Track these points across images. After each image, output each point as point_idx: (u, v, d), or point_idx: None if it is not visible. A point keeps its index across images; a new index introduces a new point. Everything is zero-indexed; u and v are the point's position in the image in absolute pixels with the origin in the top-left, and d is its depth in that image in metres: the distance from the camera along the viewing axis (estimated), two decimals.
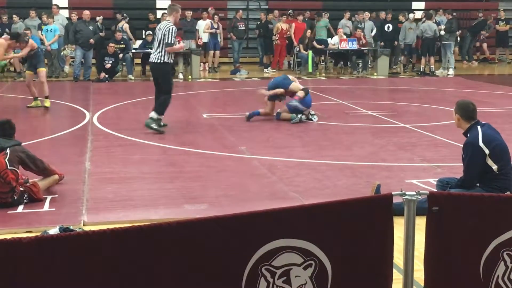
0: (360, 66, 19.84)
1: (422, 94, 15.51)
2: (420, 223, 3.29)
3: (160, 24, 10.32)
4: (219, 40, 19.86)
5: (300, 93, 11.05)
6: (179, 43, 13.82)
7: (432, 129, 10.47)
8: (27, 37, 12.77)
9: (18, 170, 6.42)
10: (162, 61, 9.92)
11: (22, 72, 17.98)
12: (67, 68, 18.59)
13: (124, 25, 18.89)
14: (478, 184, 6.10)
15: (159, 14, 19.45)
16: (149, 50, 11.33)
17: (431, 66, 19.57)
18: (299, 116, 11.00)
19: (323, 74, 19.63)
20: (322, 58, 20.20)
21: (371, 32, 20.38)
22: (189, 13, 19.45)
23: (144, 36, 18.54)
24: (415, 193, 3.24)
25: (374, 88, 16.76)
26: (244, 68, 19.87)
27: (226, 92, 15.90)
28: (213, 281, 2.92)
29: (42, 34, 17.55)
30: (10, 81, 17.51)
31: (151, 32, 17.34)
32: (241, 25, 20.39)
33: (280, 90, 11.25)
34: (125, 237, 2.74)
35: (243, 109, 11.87)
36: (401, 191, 3.27)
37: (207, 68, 20.04)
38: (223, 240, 2.91)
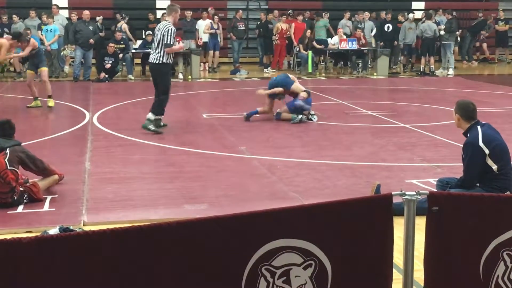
0: (360, 66, 19.85)
1: (422, 94, 15.52)
2: (420, 223, 3.29)
3: (159, 25, 10.31)
4: (219, 40, 19.86)
5: (304, 94, 11.08)
6: (178, 43, 13.82)
7: (432, 129, 10.47)
8: (28, 36, 12.77)
9: (18, 170, 6.42)
10: (161, 62, 9.93)
11: (22, 72, 18.01)
12: (67, 68, 18.59)
13: (123, 25, 18.88)
14: (478, 184, 6.10)
15: (159, 14, 19.44)
16: (149, 50, 11.33)
17: (431, 66, 19.57)
18: (299, 116, 11.00)
19: (323, 74, 19.63)
20: (322, 58, 20.21)
21: (371, 32, 20.39)
22: (189, 13, 19.45)
23: (144, 36, 18.54)
24: (415, 193, 3.24)
25: (374, 88, 16.76)
26: (244, 68, 19.87)
27: (226, 92, 15.90)
28: (213, 281, 2.92)
29: (42, 34, 17.55)
30: (10, 81, 17.50)
31: (151, 32, 17.33)
32: (241, 25, 20.39)
33: (279, 89, 11.25)
34: (125, 237, 2.74)
35: (243, 109, 11.86)
36: (401, 191, 3.27)
37: (207, 68, 20.04)
38: (223, 240, 2.91)
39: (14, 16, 18.43)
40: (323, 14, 20.69)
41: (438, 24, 19.73)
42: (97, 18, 18.65)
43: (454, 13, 20.75)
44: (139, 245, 2.76)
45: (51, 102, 12.64)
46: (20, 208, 6.29)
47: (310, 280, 3.10)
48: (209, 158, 8.49)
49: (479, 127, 6.11)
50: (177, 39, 16.69)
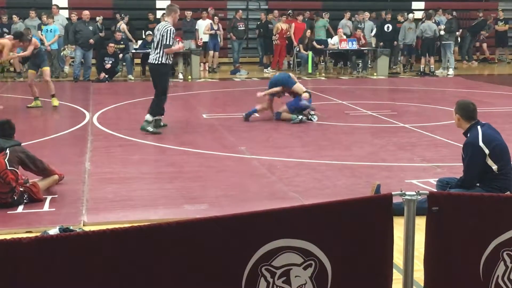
0: (360, 66, 19.86)
1: (422, 94, 15.52)
2: (420, 223, 3.29)
3: (158, 25, 10.31)
4: (219, 40, 19.86)
5: (306, 95, 11.10)
6: (178, 44, 13.82)
7: (432, 129, 10.47)
8: (30, 36, 12.78)
9: (18, 171, 6.42)
10: (160, 62, 9.93)
11: (22, 72, 18.02)
12: (67, 68, 18.60)
13: (121, 25, 18.87)
14: (478, 184, 6.10)
15: (158, 14, 19.44)
16: (149, 50, 11.34)
17: (431, 66, 19.57)
18: (299, 116, 11.01)
19: (323, 74, 19.63)
20: (322, 58, 20.21)
21: (371, 32, 20.39)
22: (188, 13, 19.46)
23: (144, 36, 18.54)
24: (415, 193, 3.24)
25: (374, 88, 16.76)
26: (244, 68, 19.88)
27: (226, 92, 15.90)
28: (213, 281, 2.92)
29: (42, 35, 17.55)
30: (10, 81, 17.50)
31: (150, 32, 17.33)
32: (241, 25, 20.40)
33: (277, 89, 11.26)
34: (125, 237, 2.74)
35: (243, 109, 11.86)
36: (401, 191, 3.27)
37: (207, 68, 20.04)
38: (223, 240, 2.91)
39: (14, 16, 18.43)
40: (324, 14, 20.70)
41: (438, 24, 19.73)
42: (97, 18, 18.65)
43: (454, 13, 20.75)
44: (139, 245, 2.76)
45: (55, 102, 12.67)
46: (20, 208, 6.29)
47: (310, 280, 3.10)
48: (209, 158, 8.49)
49: (479, 127, 6.11)
50: (177, 39, 16.72)
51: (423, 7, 23.36)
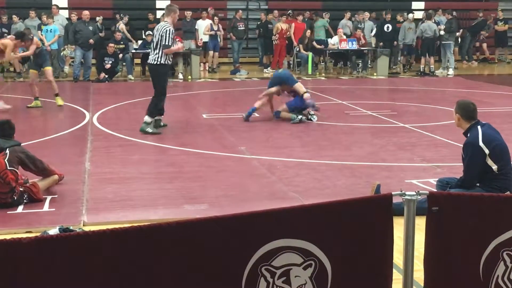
0: (360, 66, 19.86)
1: (422, 94, 15.52)
2: (420, 223, 3.29)
3: (158, 25, 10.31)
4: (219, 40, 19.86)
5: (307, 95, 11.11)
6: (177, 44, 13.81)
7: (432, 129, 10.47)
8: (31, 35, 12.78)
9: (17, 171, 6.42)
10: (159, 63, 9.93)
11: (22, 72, 18.04)
12: (67, 69, 18.60)
13: (120, 25, 18.86)
14: (478, 184, 6.10)
15: (158, 14, 19.44)
16: (149, 50, 11.34)
17: (431, 66, 19.57)
18: (299, 116, 11.01)
19: (323, 74, 19.64)
20: (322, 58, 20.21)
21: (371, 32, 20.40)
22: (188, 13, 19.46)
23: (144, 37, 18.54)
24: (415, 193, 3.24)
25: (374, 88, 16.76)
26: (244, 68, 19.88)
27: (226, 92, 15.90)
28: (213, 281, 2.92)
29: (42, 35, 17.54)
30: (10, 81, 17.50)
31: (150, 32, 17.32)
32: (240, 25, 20.40)
33: (273, 90, 11.26)
34: (125, 237, 2.74)
35: (243, 109, 11.86)
36: (401, 191, 3.27)
37: (207, 68, 20.04)
38: (223, 240, 2.91)
39: (14, 16, 18.43)
40: (324, 14, 20.71)
41: (438, 24, 19.73)
42: (97, 18, 18.65)
43: (454, 13, 20.75)
44: (139, 245, 2.76)
45: (60, 101, 12.71)
46: (20, 208, 6.29)
47: (310, 280, 3.10)
48: (208, 158, 8.49)
49: (479, 127, 6.11)
50: (177, 39, 16.72)
51: (423, 7, 23.36)
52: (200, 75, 18.88)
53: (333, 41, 19.51)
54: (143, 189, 7.02)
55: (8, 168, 6.28)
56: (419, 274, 3.47)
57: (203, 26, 19.50)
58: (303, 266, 3.07)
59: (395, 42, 20.03)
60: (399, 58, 20.59)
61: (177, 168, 7.94)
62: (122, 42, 18.03)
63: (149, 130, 9.94)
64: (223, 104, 14.04)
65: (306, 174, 7.64)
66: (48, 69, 12.91)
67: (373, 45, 20.21)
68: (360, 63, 19.92)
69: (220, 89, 16.46)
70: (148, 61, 10.36)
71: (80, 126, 10.72)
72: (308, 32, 19.92)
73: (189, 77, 18.31)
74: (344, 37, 19.52)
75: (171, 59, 10.35)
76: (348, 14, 20.73)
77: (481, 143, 6.00)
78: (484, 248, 3.29)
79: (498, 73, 21.44)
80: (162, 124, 10.45)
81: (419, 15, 21.78)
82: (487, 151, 6.00)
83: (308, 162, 8.26)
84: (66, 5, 20.58)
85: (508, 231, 3.29)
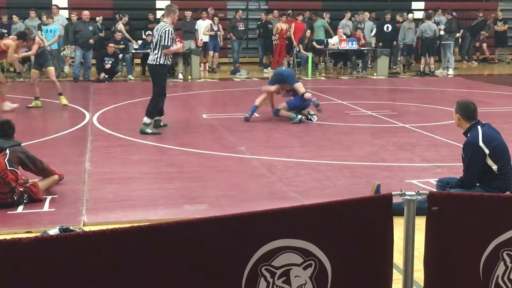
0: (360, 66, 19.86)
1: (422, 94, 15.52)
2: (420, 223, 3.29)
3: (157, 26, 10.32)
4: (219, 41, 19.86)
5: (309, 95, 11.12)
6: (177, 44, 13.80)
7: (432, 129, 10.47)
8: (33, 35, 12.79)
9: (17, 171, 6.42)
10: (158, 63, 9.92)
11: (22, 72, 18.04)
12: (66, 69, 18.60)
13: (119, 25, 18.86)
14: (478, 184, 6.10)
15: (158, 14, 19.44)
16: (149, 50, 11.36)
17: (431, 66, 19.57)
18: (299, 116, 11.01)
19: (323, 74, 19.64)
20: (322, 58, 20.21)
21: (371, 32, 20.40)
22: (188, 13, 19.46)
23: (144, 37, 18.54)
24: (415, 193, 3.24)
25: (373, 88, 16.76)
26: (244, 68, 19.88)
27: (226, 92, 15.90)
28: (213, 281, 2.92)
29: (42, 35, 17.53)
30: (10, 81, 17.48)
31: (150, 33, 17.33)
32: (240, 25, 20.40)
33: (273, 88, 11.26)
34: (125, 237, 2.74)
35: (243, 109, 11.86)
36: (401, 191, 3.27)
37: (207, 68, 20.04)
38: (223, 240, 2.91)
39: (14, 16, 18.42)
40: (324, 14, 20.71)
41: (437, 24, 19.73)
42: (97, 18, 18.65)
43: (454, 13, 20.75)
44: (139, 245, 2.76)
45: (64, 100, 12.75)
46: (20, 209, 6.29)
47: (310, 280, 3.10)
48: (208, 158, 8.49)
49: (479, 127, 6.11)
50: (177, 39, 16.71)
51: (423, 7, 23.36)
52: (200, 75, 18.88)
53: (333, 41, 19.51)
54: (143, 189, 7.02)
55: (8, 168, 6.28)
56: (419, 274, 3.47)
57: (203, 26, 19.50)
58: (303, 266, 3.07)
59: (395, 42, 20.02)
60: (399, 58, 20.59)
61: (177, 168, 7.94)
62: (122, 42, 18.03)
63: (149, 131, 9.94)
64: (223, 104, 14.04)
65: (306, 174, 7.64)
66: (51, 69, 12.95)
67: (373, 45, 20.21)
68: (360, 63, 19.92)
69: (220, 89, 16.46)
70: (148, 62, 10.37)
71: (80, 126, 10.72)
72: (308, 32, 19.92)
73: (189, 77, 18.31)
74: (344, 37, 19.52)
75: (170, 59, 10.34)
76: (348, 14, 20.73)
77: (481, 143, 6.00)
78: (484, 248, 3.29)
79: (498, 73, 21.44)
80: (162, 124, 10.45)
81: (419, 15, 21.77)
82: (487, 151, 6.00)
83: (308, 162, 8.26)
84: (66, 5, 20.58)
85: (508, 231, 3.29)
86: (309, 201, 6.10)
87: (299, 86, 11.17)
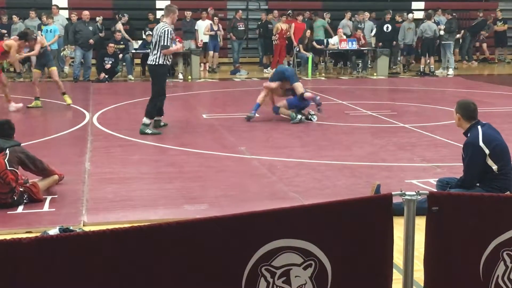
0: (360, 66, 19.86)
1: (422, 94, 15.52)
2: (420, 223, 3.29)
3: (157, 26, 10.32)
4: (219, 41, 19.86)
5: (308, 94, 11.11)
6: (177, 44, 13.80)
7: (432, 129, 10.47)
8: (35, 35, 12.79)
9: (17, 171, 6.42)
10: (157, 63, 9.92)
11: (22, 72, 18.04)
12: (66, 69, 18.59)
13: (118, 25, 18.85)
14: (478, 184, 6.10)
15: (158, 14, 19.44)
16: (149, 50, 11.37)
17: (431, 66, 19.57)
18: (299, 116, 11.00)
19: (323, 74, 19.64)
20: (322, 58, 20.21)
21: (371, 32, 20.40)
22: (188, 13, 19.46)
23: (144, 37, 18.53)
24: (415, 193, 3.24)
25: (373, 88, 16.76)
26: (244, 68, 19.88)
27: (226, 93, 15.90)
28: (213, 281, 2.92)
29: (41, 35, 17.48)
30: (10, 81, 17.45)
31: (150, 33, 17.33)
32: (240, 25, 20.40)
33: (274, 85, 11.24)
34: (125, 237, 2.74)
35: (243, 109, 11.86)
36: (401, 191, 3.27)
37: (207, 68, 20.04)
38: (223, 240, 2.91)
39: (14, 16, 18.42)
40: (325, 14, 20.72)
41: (437, 24, 19.73)
42: (97, 18, 18.66)
43: (454, 13, 20.74)
44: (139, 245, 2.76)
45: (68, 99, 12.78)
46: (20, 209, 6.29)
47: (310, 280, 3.10)
48: (208, 158, 8.49)
49: (479, 127, 6.11)
50: (177, 39, 16.71)
51: (423, 7, 23.35)
52: (200, 75, 18.88)
53: (333, 41, 19.51)
54: (143, 189, 7.02)
55: (8, 168, 6.28)
56: (419, 274, 3.47)
57: (203, 26, 19.49)
58: (303, 266, 3.07)
59: (394, 42, 20.01)
60: (399, 58, 20.59)
61: (177, 168, 7.94)
62: (122, 42, 18.03)
63: (149, 131, 9.94)
64: (223, 104, 14.04)
65: (306, 174, 7.64)
66: (53, 69, 12.99)
67: (373, 45, 20.21)
68: (360, 63, 19.92)
69: (220, 89, 16.46)
70: (148, 62, 10.37)
71: (80, 126, 10.72)
72: (308, 32, 19.92)
73: (189, 77, 18.31)
74: (344, 37, 19.52)
75: (170, 60, 10.32)
76: (348, 14, 20.73)
77: (481, 143, 6.00)
78: (484, 248, 3.29)
79: (498, 73, 21.44)
80: (162, 124, 10.45)
81: (419, 15, 21.77)
82: (487, 151, 6.00)
83: (308, 162, 8.26)
84: (66, 5, 20.57)
85: (508, 231, 3.29)
86: (309, 201, 6.10)
87: (299, 86, 11.15)
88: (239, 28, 20.32)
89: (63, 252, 2.62)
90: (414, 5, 23.61)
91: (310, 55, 19.16)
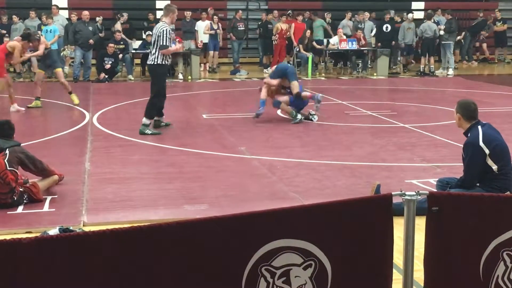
0: (360, 66, 19.86)
1: (422, 94, 15.52)
2: (420, 223, 3.29)
3: (156, 25, 10.32)
4: (219, 40, 19.85)
5: (305, 94, 11.09)
6: (177, 44, 13.80)
7: (432, 129, 10.47)
8: (38, 35, 12.78)
9: (17, 171, 6.41)
10: (156, 63, 9.92)
11: (22, 72, 18.05)
12: (66, 69, 18.57)
13: (116, 25, 18.84)
14: (478, 184, 6.10)
15: (158, 14, 19.43)
16: (149, 50, 11.37)
17: (431, 66, 19.57)
18: (299, 117, 10.99)
19: (323, 74, 19.64)
20: (321, 58, 20.21)
21: (371, 32, 20.40)
22: (188, 14, 19.45)
23: (144, 37, 18.53)
24: (415, 193, 3.24)
25: (373, 88, 16.76)
26: (244, 69, 19.88)
27: (226, 93, 15.90)
28: (213, 281, 2.92)
29: (41, 35, 17.50)
30: None
31: (150, 33, 17.32)
32: (240, 26, 20.40)
33: (275, 82, 11.22)
34: (125, 237, 2.73)
35: (243, 109, 11.87)
36: (401, 191, 3.26)
37: (207, 69, 20.04)
38: (223, 240, 2.91)
39: (14, 16, 18.42)
40: (325, 14, 20.72)
41: (437, 24, 19.73)
42: (97, 18, 18.66)
43: (454, 14, 20.75)
44: (139, 245, 2.76)
45: (75, 99, 12.78)
46: (20, 209, 6.29)
47: (310, 280, 3.10)
48: (208, 159, 8.49)
49: (479, 127, 6.11)
50: (178, 40, 16.72)
51: (423, 7, 23.35)
52: (200, 75, 18.88)
53: (333, 41, 19.51)
54: (143, 189, 7.02)
55: (8, 168, 6.28)
56: (419, 274, 3.47)
57: (202, 27, 19.49)
58: (303, 266, 3.07)
59: (393, 42, 20.01)
60: (399, 58, 20.59)
61: (177, 169, 7.94)
62: (122, 42, 18.03)
63: (148, 132, 9.93)
64: (223, 104, 14.04)
65: (306, 174, 7.64)
66: (59, 71, 13.04)
67: (373, 45, 20.21)
68: (360, 63, 19.92)
69: (220, 89, 16.46)
70: (147, 62, 10.37)
71: (80, 126, 10.72)
72: (308, 32, 19.92)
73: (189, 77, 18.31)
74: (344, 37, 19.52)
75: (169, 59, 10.31)
76: (349, 14, 20.74)
77: (481, 143, 6.00)
78: (484, 248, 3.29)
79: (498, 73, 21.44)
80: (164, 123, 10.44)
81: (419, 15, 21.77)
82: (487, 151, 6.00)
83: (308, 162, 8.26)
84: (66, 5, 20.57)
85: (508, 231, 3.29)
86: (309, 201, 6.10)
87: (295, 85, 11.11)
88: (239, 28, 20.31)
89: (63, 252, 2.62)
90: (414, 5, 23.60)
91: (310, 55, 19.15)
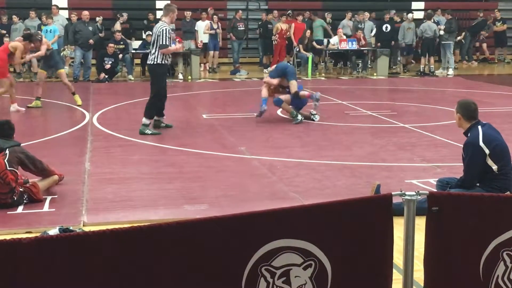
0: (360, 66, 19.86)
1: (422, 94, 15.52)
2: (420, 223, 3.29)
3: (156, 25, 10.32)
4: (219, 40, 19.85)
5: (303, 93, 11.09)
6: (177, 44, 13.80)
7: (432, 129, 10.47)
8: (39, 36, 12.78)
9: (17, 171, 6.41)
10: (156, 63, 9.92)
11: (22, 72, 18.05)
12: (66, 69, 18.52)
13: (116, 25, 18.83)
14: (478, 184, 6.10)
15: (158, 14, 19.43)
16: (148, 50, 11.37)
17: (431, 66, 19.57)
18: (300, 117, 10.98)
19: (323, 74, 19.64)
20: (321, 58, 20.22)
21: (371, 32, 20.40)
22: (188, 14, 19.45)
23: (144, 37, 18.54)
24: (415, 193, 3.24)
25: (373, 88, 16.76)
26: (244, 69, 19.88)
27: (226, 93, 15.90)
28: (213, 281, 2.92)
29: (42, 35, 17.51)
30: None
31: (150, 33, 17.32)
32: (240, 26, 20.40)
33: (275, 81, 11.20)
34: (125, 237, 2.73)
35: (243, 109, 11.87)
36: (401, 191, 3.26)
37: (207, 69, 20.04)
38: (223, 240, 2.91)
39: (14, 16, 18.42)
40: (325, 14, 20.72)
41: (437, 24, 19.73)
42: (97, 18, 18.66)
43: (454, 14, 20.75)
44: (139, 245, 2.76)
45: (79, 100, 12.77)
46: (20, 209, 6.29)
47: (310, 280, 3.10)
48: (208, 159, 8.49)
49: (479, 127, 6.11)
50: (178, 40, 16.72)
51: (423, 7, 23.35)
52: (200, 75, 18.88)
53: (333, 41, 19.52)
54: (143, 189, 7.02)
55: (8, 168, 6.28)
56: (419, 274, 3.47)
57: (202, 27, 19.49)
58: (303, 266, 3.07)
59: (393, 42, 20.01)
60: (399, 58, 20.59)
61: (177, 169, 7.94)
62: (122, 42, 18.03)
63: (148, 132, 9.93)
64: (223, 104, 14.04)
65: (306, 174, 7.64)
66: (62, 72, 13.04)
67: (373, 45, 20.22)
68: (360, 63, 19.92)
69: (220, 89, 16.46)
70: (147, 62, 10.37)
71: (80, 126, 10.72)
72: (308, 32, 19.93)
73: (189, 77, 18.31)
74: (344, 37, 19.52)
75: (169, 59, 10.30)
76: (349, 14, 20.74)
77: (481, 143, 6.00)
78: (484, 248, 3.29)
79: (498, 73, 21.44)
80: (164, 124, 10.43)
81: (419, 15, 21.77)
82: (487, 151, 6.00)
83: (308, 162, 8.26)
84: (66, 5, 20.58)
85: (508, 231, 3.29)
86: (309, 201, 6.10)
87: (293, 84, 11.09)
88: (239, 28, 20.31)
89: (63, 252, 2.62)
90: (414, 5, 23.60)
91: (310, 55, 19.15)
